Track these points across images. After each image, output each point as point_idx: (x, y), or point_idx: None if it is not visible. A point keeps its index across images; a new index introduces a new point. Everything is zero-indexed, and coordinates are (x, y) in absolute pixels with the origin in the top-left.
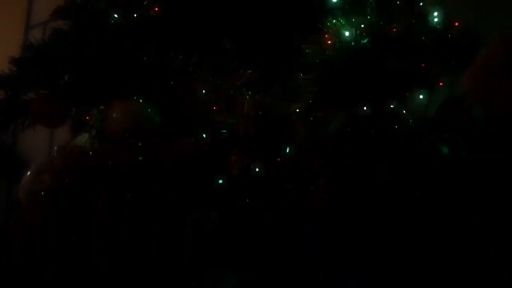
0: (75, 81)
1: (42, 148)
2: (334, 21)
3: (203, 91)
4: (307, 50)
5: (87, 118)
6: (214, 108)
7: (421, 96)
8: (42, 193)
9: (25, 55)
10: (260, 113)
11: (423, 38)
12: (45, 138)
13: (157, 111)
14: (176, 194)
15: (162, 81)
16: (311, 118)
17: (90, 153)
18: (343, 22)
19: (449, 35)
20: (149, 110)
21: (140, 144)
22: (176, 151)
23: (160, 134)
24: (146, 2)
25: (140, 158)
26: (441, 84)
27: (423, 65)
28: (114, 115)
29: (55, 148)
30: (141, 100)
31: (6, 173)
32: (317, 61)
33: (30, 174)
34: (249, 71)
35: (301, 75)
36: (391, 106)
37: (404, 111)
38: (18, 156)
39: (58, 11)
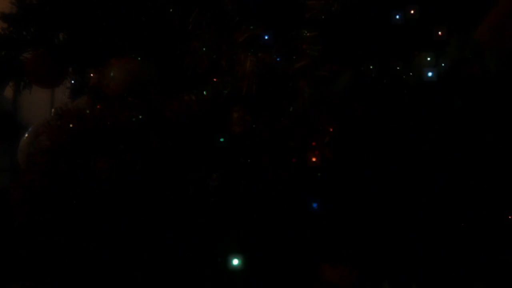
0: (71, 39)
1: (42, 112)
2: None
3: (204, 49)
4: (312, 6)
5: (85, 79)
6: (215, 66)
7: (428, 58)
8: (40, 154)
9: (16, 12)
10: (263, 71)
11: None
12: (46, 102)
13: (156, 69)
14: (177, 152)
15: (161, 38)
16: (316, 77)
17: (88, 111)
18: None
19: None
20: (147, 68)
21: (139, 102)
22: (176, 108)
23: (159, 92)
24: None
25: (140, 116)
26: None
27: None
28: (112, 74)
29: (53, 109)
30: (139, 58)
31: (8, 137)
32: (322, 17)
33: (27, 136)
34: (251, 28)
35: (305, 32)
36: (398, 67)
37: (410, 73)
38: (19, 121)
39: None
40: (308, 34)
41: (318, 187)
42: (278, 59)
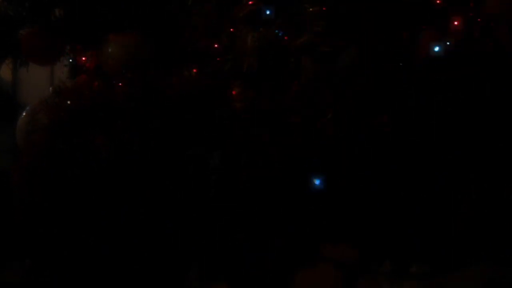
0: (67, 15)
1: (42, 93)
2: None
3: (204, 24)
4: None
5: (84, 58)
6: (215, 43)
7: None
8: (37, 133)
9: None
10: (264, 46)
11: None
12: (45, 83)
13: (155, 45)
14: (176, 129)
15: (160, 13)
16: (319, 52)
17: (85, 88)
18: None
19: None
20: (146, 43)
21: (137, 78)
22: (175, 84)
23: (158, 68)
24: None
25: (138, 92)
26: (456, 23)
27: (438, 1)
28: (110, 50)
29: (50, 88)
30: (137, 34)
31: (7, 118)
32: None
33: (25, 115)
34: (252, 2)
35: (308, 6)
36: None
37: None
38: (18, 102)
39: None
40: (310, 9)
41: (320, 164)
42: (280, 35)
